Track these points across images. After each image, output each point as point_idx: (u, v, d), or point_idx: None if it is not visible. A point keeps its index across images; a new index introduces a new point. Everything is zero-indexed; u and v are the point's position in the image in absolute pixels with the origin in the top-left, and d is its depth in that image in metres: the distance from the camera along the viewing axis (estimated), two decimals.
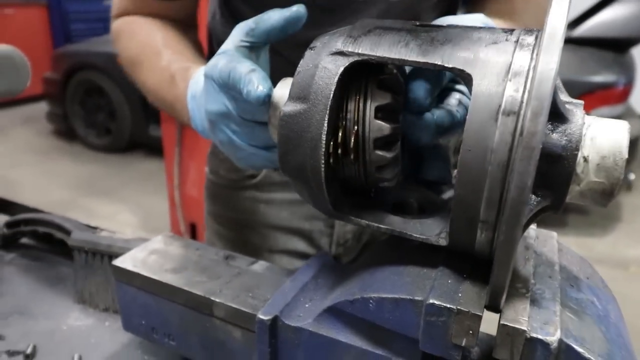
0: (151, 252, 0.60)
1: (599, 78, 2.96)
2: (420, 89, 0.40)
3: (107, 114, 4.32)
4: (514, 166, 0.28)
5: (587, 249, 3.04)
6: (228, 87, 0.47)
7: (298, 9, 0.48)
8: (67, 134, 4.67)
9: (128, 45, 0.73)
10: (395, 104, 0.39)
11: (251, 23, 0.50)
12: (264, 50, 0.53)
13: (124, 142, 4.33)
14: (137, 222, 3.24)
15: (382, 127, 0.38)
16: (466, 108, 0.44)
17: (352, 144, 0.38)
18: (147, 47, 0.71)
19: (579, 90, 2.91)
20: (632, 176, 3.26)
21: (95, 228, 0.78)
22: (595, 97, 2.94)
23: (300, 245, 0.85)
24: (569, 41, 3.07)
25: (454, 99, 0.43)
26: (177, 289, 0.53)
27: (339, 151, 0.38)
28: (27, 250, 0.84)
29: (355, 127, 0.38)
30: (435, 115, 0.41)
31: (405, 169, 0.45)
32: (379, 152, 0.39)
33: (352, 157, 0.39)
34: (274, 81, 0.45)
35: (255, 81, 0.43)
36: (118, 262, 0.57)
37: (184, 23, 0.77)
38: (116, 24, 0.77)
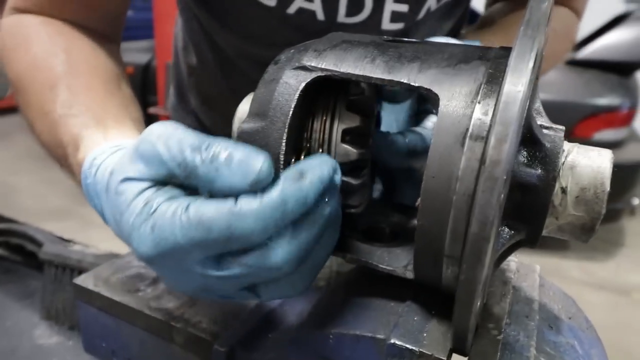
0: (116, 270, 0.56)
1: (603, 101, 2.94)
2: (393, 111, 0.37)
3: None
4: (476, 198, 0.25)
5: (589, 274, 2.98)
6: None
7: None
8: None
9: (19, 56, 0.56)
10: (364, 127, 0.36)
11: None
12: None
13: None
14: None
15: (349, 151, 0.35)
16: None
17: None
18: (41, 72, 0.53)
19: (582, 112, 2.88)
20: (636, 201, 3.21)
21: (68, 241, 0.76)
22: (599, 119, 2.91)
23: None
24: (573, 63, 3.06)
25: (430, 122, 0.39)
26: (136, 312, 0.50)
27: None
28: None
29: (320, 150, 0.35)
30: (408, 138, 0.37)
31: (377, 191, 0.42)
32: (345, 179, 0.36)
33: None
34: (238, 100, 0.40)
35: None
36: (79, 280, 0.54)
37: (104, 36, 0.61)
38: (9, 21, 0.59)
